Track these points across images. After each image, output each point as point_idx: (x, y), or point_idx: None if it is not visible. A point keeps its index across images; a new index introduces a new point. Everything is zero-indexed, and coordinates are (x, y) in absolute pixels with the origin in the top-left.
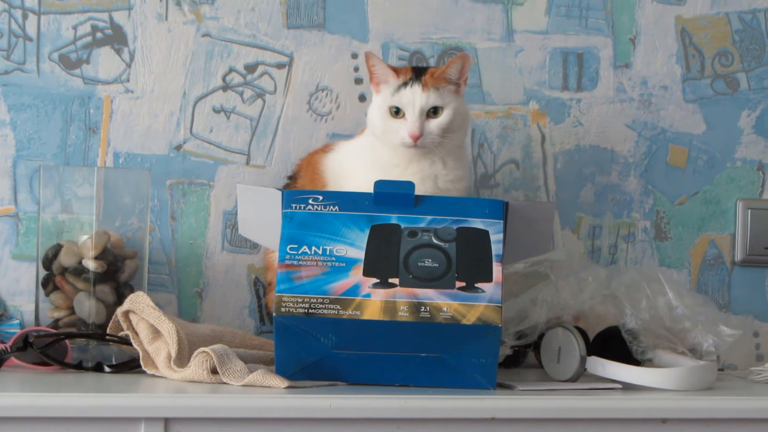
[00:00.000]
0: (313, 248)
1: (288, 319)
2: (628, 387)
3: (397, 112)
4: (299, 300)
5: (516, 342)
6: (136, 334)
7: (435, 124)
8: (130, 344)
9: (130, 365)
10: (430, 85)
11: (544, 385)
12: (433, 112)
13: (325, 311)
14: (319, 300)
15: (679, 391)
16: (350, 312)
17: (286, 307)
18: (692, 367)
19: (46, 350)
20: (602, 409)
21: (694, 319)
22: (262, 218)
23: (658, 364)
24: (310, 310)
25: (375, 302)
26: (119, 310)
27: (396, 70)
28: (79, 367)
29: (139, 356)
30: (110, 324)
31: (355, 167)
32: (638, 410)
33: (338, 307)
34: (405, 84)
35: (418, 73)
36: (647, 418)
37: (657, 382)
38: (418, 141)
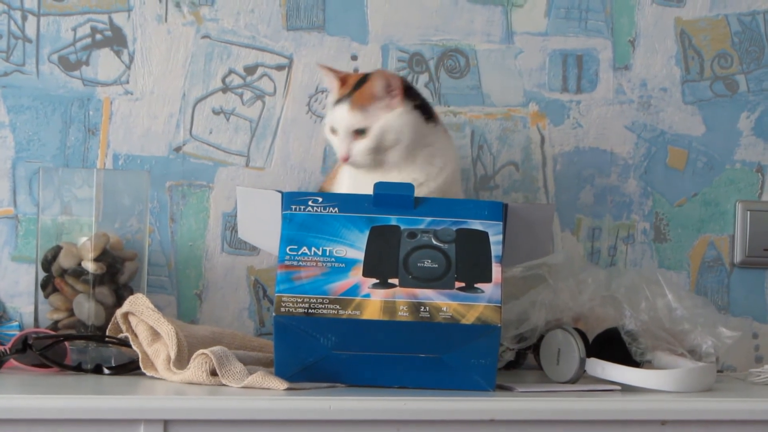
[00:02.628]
0: (313, 249)
1: (287, 319)
2: (627, 388)
3: (332, 129)
4: (299, 300)
5: (515, 345)
6: (136, 336)
7: (361, 145)
8: (130, 346)
9: (129, 367)
10: (358, 104)
11: (543, 386)
12: (360, 132)
13: (325, 311)
14: (318, 300)
15: (679, 393)
16: (350, 312)
17: (285, 307)
18: (691, 369)
19: (46, 352)
20: (601, 411)
21: (694, 321)
22: (262, 220)
23: (658, 366)
24: (309, 310)
25: (374, 302)
26: (118, 312)
27: (342, 80)
28: (78, 369)
29: (138, 358)
30: (109, 326)
31: (341, 182)
32: (637, 412)
33: (338, 307)
34: (339, 101)
35: (356, 87)
36: (646, 420)
37: (656, 383)
38: (348, 161)
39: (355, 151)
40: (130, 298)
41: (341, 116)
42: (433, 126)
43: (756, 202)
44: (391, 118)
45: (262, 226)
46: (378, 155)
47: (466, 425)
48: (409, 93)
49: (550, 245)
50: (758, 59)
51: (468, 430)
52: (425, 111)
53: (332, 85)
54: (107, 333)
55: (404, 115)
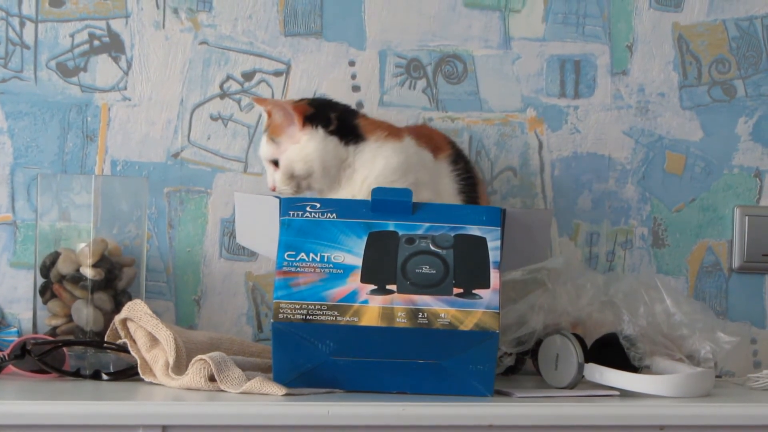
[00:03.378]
0: (311, 255)
1: (286, 326)
2: (625, 394)
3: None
4: (297, 306)
5: (513, 349)
6: (134, 342)
7: (277, 176)
8: (128, 352)
9: (128, 373)
10: (271, 136)
11: (541, 392)
12: (276, 163)
13: (323, 317)
14: (316, 306)
15: (677, 398)
16: (348, 318)
17: (283, 313)
18: (690, 374)
19: (44, 357)
20: (600, 416)
21: (692, 326)
22: (260, 226)
23: (656, 371)
24: (307, 317)
25: (373, 308)
26: (117, 318)
27: (269, 112)
28: (76, 374)
29: (136, 364)
30: (108, 332)
31: None
32: (636, 417)
33: (336, 313)
34: (264, 132)
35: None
36: (645, 425)
37: (654, 388)
38: (276, 191)
39: (276, 182)
40: (129, 304)
41: (262, 147)
42: (355, 146)
43: (754, 207)
44: (297, 149)
45: (261, 231)
46: (301, 183)
47: (464, 431)
48: (317, 119)
49: (547, 251)
50: (756, 64)
51: None
52: (345, 133)
53: (264, 115)
54: (106, 339)
55: (309, 144)
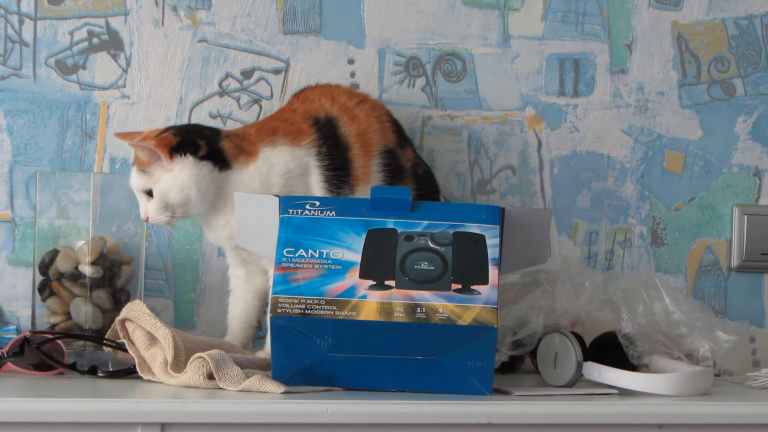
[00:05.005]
0: (310, 251)
1: (284, 320)
2: (624, 392)
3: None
4: (295, 301)
5: (513, 351)
6: (132, 342)
7: (151, 206)
8: (127, 351)
9: (126, 372)
10: (140, 167)
11: (540, 390)
12: (149, 193)
13: (321, 312)
14: (315, 301)
15: (676, 397)
16: (346, 313)
17: (282, 307)
18: (688, 373)
19: (42, 347)
20: (598, 415)
21: (691, 325)
22: (260, 226)
23: (655, 370)
24: (306, 311)
25: (371, 303)
26: (117, 320)
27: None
28: (73, 368)
29: (135, 363)
30: (108, 332)
31: None
32: (634, 416)
33: (334, 308)
34: (133, 163)
35: None
36: (643, 424)
37: (653, 387)
38: (150, 222)
39: (151, 213)
40: (128, 305)
41: (132, 178)
42: (229, 171)
43: (753, 206)
44: (170, 179)
45: (260, 231)
46: (177, 211)
47: (463, 429)
48: (184, 146)
49: (547, 251)
50: (755, 63)
51: None
52: (216, 158)
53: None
54: (106, 338)
55: (182, 173)
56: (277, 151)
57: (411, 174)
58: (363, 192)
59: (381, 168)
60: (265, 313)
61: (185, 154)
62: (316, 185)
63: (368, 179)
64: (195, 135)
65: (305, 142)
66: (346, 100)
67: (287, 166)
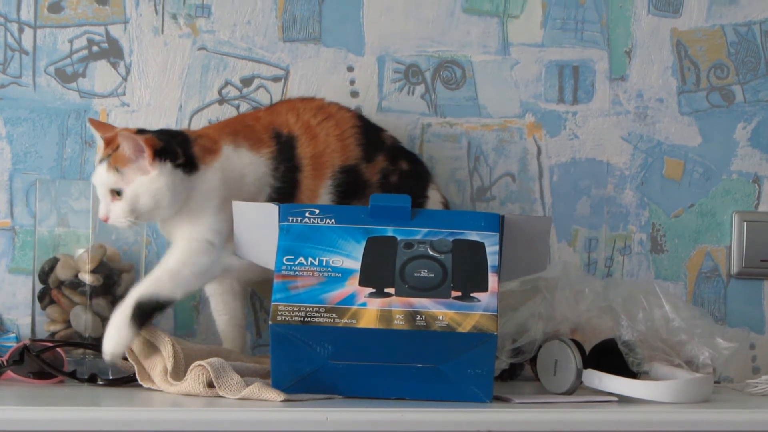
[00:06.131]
0: (310, 259)
1: (284, 328)
2: (624, 400)
3: (95, 188)
4: (295, 309)
5: (514, 359)
6: (132, 350)
7: (117, 207)
8: (126, 359)
9: (125, 380)
10: (114, 165)
11: (540, 397)
12: (118, 193)
13: (321, 320)
14: (315, 309)
15: (676, 404)
16: (346, 320)
17: (282, 315)
18: (688, 380)
19: (42, 355)
20: (598, 422)
21: (691, 332)
22: (259, 235)
23: (655, 377)
24: (306, 319)
25: (371, 311)
26: None
27: (107, 141)
28: (73, 376)
29: (134, 372)
30: None
31: None
32: (634, 423)
33: (334, 315)
34: (101, 160)
35: (118, 148)
36: (643, 431)
37: (653, 394)
38: (109, 222)
39: (114, 213)
40: None
41: (99, 175)
42: (195, 174)
43: (753, 213)
44: (146, 182)
45: (260, 240)
46: (141, 215)
47: None
48: (166, 153)
49: (546, 259)
50: (754, 69)
51: None
52: (189, 165)
53: (99, 143)
54: None
55: (159, 179)
56: (238, 153)
57: (378, 186)
58: None
59: (332, 190)
60: (264, 312)
61: (165, 161)
62: (262, 200)
63: (314, 201)
64: (175, 142)
65: (264, 151)
66: (310, 118)
67: (245, 169)
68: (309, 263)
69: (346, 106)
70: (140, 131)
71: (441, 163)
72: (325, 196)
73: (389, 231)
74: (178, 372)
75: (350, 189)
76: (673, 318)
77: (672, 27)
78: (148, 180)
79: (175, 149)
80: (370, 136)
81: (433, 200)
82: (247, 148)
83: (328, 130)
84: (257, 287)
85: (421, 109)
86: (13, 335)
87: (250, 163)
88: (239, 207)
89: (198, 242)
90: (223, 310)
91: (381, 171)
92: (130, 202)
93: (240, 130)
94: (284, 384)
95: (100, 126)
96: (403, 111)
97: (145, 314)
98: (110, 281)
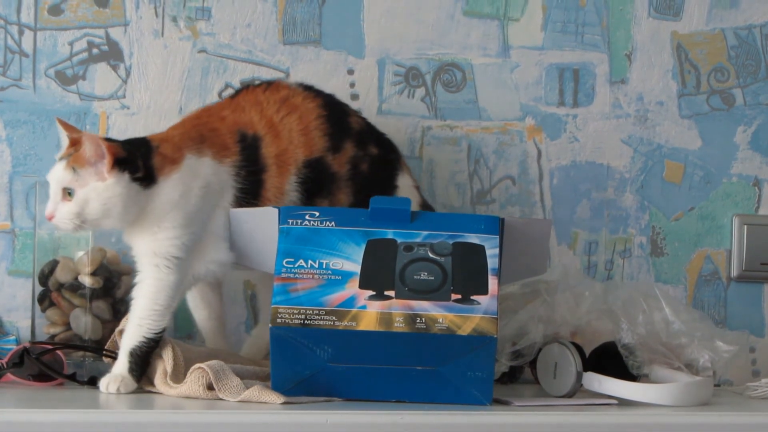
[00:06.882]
0: (309, 262)
1: (284, 330)
2: (624, 402)
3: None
4: (295, 311)
5: (514, 361)
6: None
7: (66, 208)
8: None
9: None
10: (72, 164)
11: (540, 400)
12: (69, 193)
13: (321, 322)
14: (314, 311)
15: (676, 407)
16: (346, 323)
17: (282, 318)
18: (688, 383)
19: (41, 358)
20: (598, 425)
21: (691, 335)
22: (258, 240)
23: (655, 380)
24: (305, 321)
25: (371, 313)
26: (117, 330)
27: (72, 141)
28: (73, 378)
29: None
30: (108, 343)
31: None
32: (634, 426)
33: (334, 318)
34: (62, 158)
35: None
36: None
37: (653, 397)
38: (53, 221)
39: (60, 213)
40: (127, 316)
41: (56, 172)
42: (152, 187)
43: (753, 216)
44: (100, 189)
45: (259, 245)
46: (87, 220)
47: None
48: (127, 164)
49: (546, 261)
50: (755, 73)
51: None
52: (147, 179)
53: (63, 141)
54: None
55: (114, 188)
56: (201, 162)
57: (347, 177)
58: None
59: (296, 187)
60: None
61: (124, 171)
62: (225, 204)
63: (280, 200)
64: (138, 155)
65: (228, 160)
66: (273, 114)
67: (208, 179)
68: (309, 266)
69: (313, 92)
70: (108, 139)
71: (441, 165)
72: (290, 193)
73: (389, 234)
74: (178, 374)
75: (316, 184)
76: (673, 321)
77: (672, 30)
78: (103, 187)
79: (137, 162)
80: (337, 123)
81: (404, 187)
82: (211, 156)
83: (291, 125)
84: (257, 289)
85: (421, 112)
86: (12, 338)
87: (213, 173)
88: (236, 214)
89: (163, 260)
90: (202, 304)
91: (350, 160)
92: (79, 205)
93: (206, 135)
94: (284, 386)
95: (68, 127)
96: (404, 114)
97: (142, 359)
98: (110, 284)
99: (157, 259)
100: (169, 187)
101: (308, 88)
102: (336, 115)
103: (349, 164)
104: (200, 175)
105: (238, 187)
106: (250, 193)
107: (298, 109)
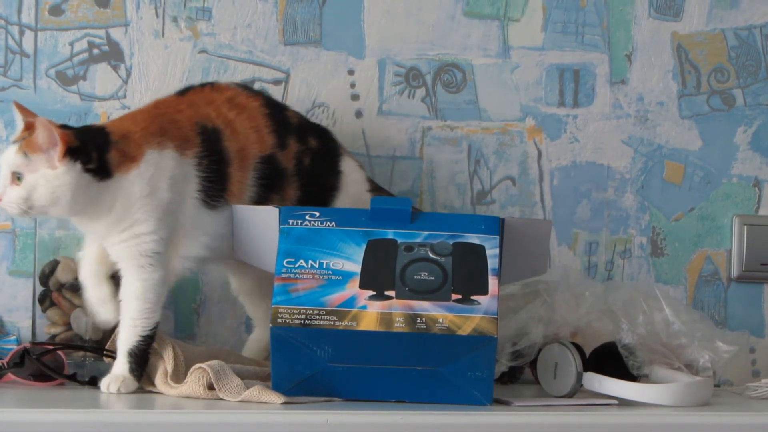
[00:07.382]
0: (310, 262)
1: (284, 330)
2: (624, 403)
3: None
4: (295, 311)
5: (514, 362)
6: None
7: (14, 192)
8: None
9: None
10: (24, 149)
11: (540, 400)
12: (18, 178)
13: (321, 322)
14: (315, 311)
15: (676, 407)
16: (346, 323)
17: (282, 318)
18: (688, 383)
19: (42, 358)
20: (598, 425)
21: (691, 335)
22: (259, 238)
23: (655, 380)
24: (306, 321)
25: (371, 314)
26: (117, 331)
27: (27, 125)
28: (73, 379)
29: None
30: (108, 343)
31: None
32: (634, 426)
33: (334, 318)
34: (15, 141)
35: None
36: None
37: (653, 398)
38: (1, 204)
39: (8, 197)
40: None
41: (7, 155)
42: (108, 181)
43: (753, 217)
44: (49, 176)
45: (260, 243)
46: (35, 206)
47: None
48: (79, 153)
49: (546, 262)
50: (755, 73)
51: None
52: (102, 171)
53: (19, 125)
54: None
55: (64, 177)
56: (164, 155)
57: (293, 172)
58: None
59: (254, 182)
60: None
61: (76, 161)
62: (192, 194)
63: (242, 195)
64: (92, 146)
65: (190, 152)
66: (227, 112)
67: (173, 171)
68: (309, 266)
69: (252, 91)
70: (63, 126)
71: (441, 166)
72: (249, 188)
73: (389, 234)
74: (179, 374)
75: (269, 180)
76: (673, 321)
77: (673, 31)
78: (53, 175)
79: (90, 152)
80: (280, 121)
81: (348, 170)
82: (172, 149)
83: (243, 123)
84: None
85: (421, 113)
86: (13, 338)
87: (176, 164)
88: (238, 210)
89: (147, 258)
90: (94, 280)
91: (295, 155)
92: (27, 191)
93: (166, 128)
94: (284, 386)
95: (24, 111)
96: (404, 114)
97: (141, 357)
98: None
99: (141, 259)
100: (129, 182)
101: (246, 88)
102: (277, 113)
103: (294, 159)
104: (164, 168)
105: (202, 176)
106: (216, 183)
107: (246, 108)
